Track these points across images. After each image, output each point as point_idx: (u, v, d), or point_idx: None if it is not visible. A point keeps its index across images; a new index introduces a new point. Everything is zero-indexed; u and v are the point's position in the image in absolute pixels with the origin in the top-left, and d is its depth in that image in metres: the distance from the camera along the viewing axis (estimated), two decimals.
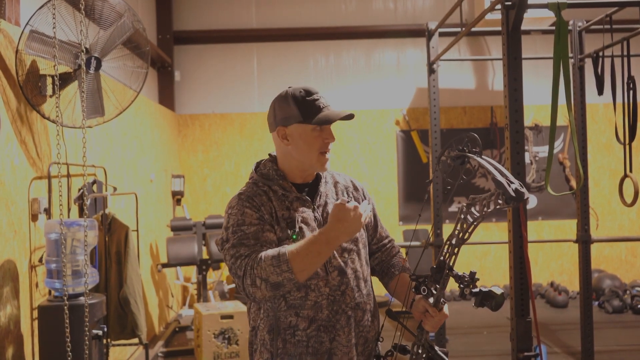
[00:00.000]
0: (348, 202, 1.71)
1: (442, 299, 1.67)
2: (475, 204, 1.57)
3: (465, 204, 1.59)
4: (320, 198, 1.90)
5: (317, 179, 1.94)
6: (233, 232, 1.78)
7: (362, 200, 1.98)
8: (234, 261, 1.74)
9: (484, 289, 1.61)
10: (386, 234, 2.06)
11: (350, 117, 1.84)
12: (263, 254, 1.70)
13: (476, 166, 1.61)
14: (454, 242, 1.61)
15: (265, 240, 1.76)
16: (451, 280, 1.67)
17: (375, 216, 2.03)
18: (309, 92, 1.84)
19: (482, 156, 1.58)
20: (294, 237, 1.69)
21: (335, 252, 1.82)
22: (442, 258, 1.63)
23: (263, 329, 1.84)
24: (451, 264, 1.62)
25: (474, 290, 1.61)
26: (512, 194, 1.44)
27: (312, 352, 1.79)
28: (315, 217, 1.86)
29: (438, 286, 1.64)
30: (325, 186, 1.94)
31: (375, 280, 2.02)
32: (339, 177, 2.01)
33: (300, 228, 1.81)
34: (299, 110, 1.83)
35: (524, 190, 1.45)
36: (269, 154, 1.97)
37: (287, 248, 1.69)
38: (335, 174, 2.01)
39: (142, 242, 5.23)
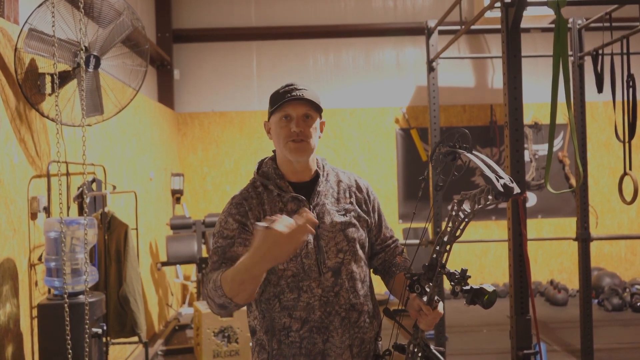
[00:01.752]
0: (267, 226, 1.52)
1: (436, 297, 1.65)
2: (466, 200, 1.57)
3: (456, 200, 1.58)
4: (317, 197, 1.87)
5: (317, 177, 1.92)
6: (214, 242, 1.82)
7: (366, 201, 1.95)
8: (205, 274, 1.79)
9: (475, 287, 1.60)
10: (390, 235, 2.03)
11: (302, 99, 1.79)
12: (215, 275, 1.71)
13: (467, 162, 1.60)
14: (446, 239, 1.60)
15: (230, 257, 1.76)
16: None
17: (380, 216, 2.00)
18: (286, 85, 1.85)
19: (473, 152, 1.57)
20: None
21: (329, 253, 1.81)
22: (434, 256, 1.62)
23: (260, 329, 1.84)
24: (444, 261, 1.61)
25: (465, 288, 1.60)
26: (501, 189, 1.43)
27: (305, 353, 1.78)
28: None
29: (431, 284, 1.63)
30: (325, 184, 1.91)
31: (376, 279, 2.02)
32: (343, 176, 1.98)
33: None
34: (271, 102, 1.86)
35: (513, 185, 1.44)
36: (273, 151, 1.96)
37: (222, 274, 1.67)
38: (340, 172, 1.99)
39: (141, 241, 5.23)
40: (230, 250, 1.77)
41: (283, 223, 1.52)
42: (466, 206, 1.56)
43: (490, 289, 1.58)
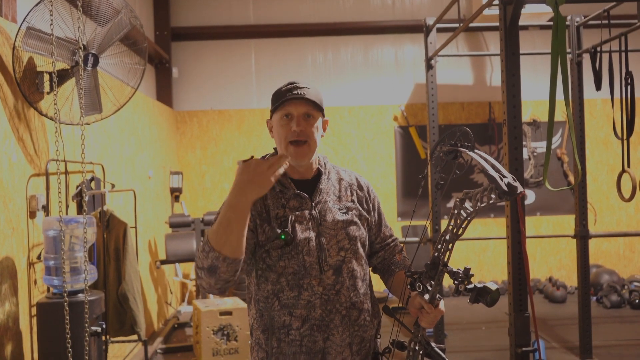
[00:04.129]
0: (246, 159, 1.59)
1: (437, 295, 1.65)
2: (468, 199, 1.56)
3: (458, 199, 1.58)
4: (320, 195, 1.87)
5: (319, 175, 1.92)
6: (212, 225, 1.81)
7: (366, 200, 1.95)
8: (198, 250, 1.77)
9: (478, 285, 1.60)
10: (390, 234, 2.03)
11: (302, 99, 1.79)
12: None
13: (469, 160, 1.59)
14: (448, 237, 1.60)
15: None
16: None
17: (380, 215, 2.00)
18: (289, 83, 1.85)
19: (475, 150, 1.57)
20: (282, 237, 1.67)
21: (331, 251, 1.82)
22: (436, 254, 1.62)
23: (257, 328, 1.84)
24: (446, 259, 1.61)
25: (468, 287, 1.59)
26: (505, 188, 1.43)
27: (305, 351, 1.78)
28: (312, 215, 1.83)
29: (433, 282, 1.63)
30: (327, 182, 1.91)
31: (374, 277, 2.02)
32: (344, 174, 1.98)
33: (294, 227, 1.80)
34: (273, 101, 1.86)
35: (516, 184, 1.44)
36: (274, 148, 1.96)
37: (210, 227, 1.67)
38: (341, 170, 1.99)
39: (140, 239, 5.23)
40: None
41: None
42: (468, 205, 1.55)
43: (493, 287, 1.58)
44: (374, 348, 1.89)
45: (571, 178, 7.31)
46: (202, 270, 1.67)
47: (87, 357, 2.92)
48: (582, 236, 4.68)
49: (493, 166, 1.48)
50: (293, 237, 1.77)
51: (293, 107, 1.81)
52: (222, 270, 1.64)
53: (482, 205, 1.51)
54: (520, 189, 1.44)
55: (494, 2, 3.15)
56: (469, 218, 1.55)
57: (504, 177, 1.44)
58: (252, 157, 1.61)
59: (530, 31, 7.07)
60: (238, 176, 1.58)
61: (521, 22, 3.03)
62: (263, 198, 1.83)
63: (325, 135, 1.93)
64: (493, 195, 1.47)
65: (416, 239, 5.52)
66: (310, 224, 1.82)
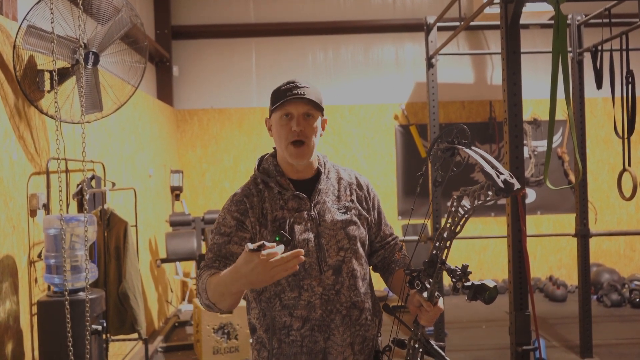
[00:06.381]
0: (254, 249, 1.48)
1: (436, 293, 1.65)
2: (466, 196, 1.56)
3: (455, 197, 1.58)
4: (319, 195, 1.87)
5: (318, 175, 1.92)
6: (211, 238, 1.84)
7: (366, 199, 1.95)
8: (200, 268, 1.80)
9: (476, 283, 1.60)
10: (390, 232, 2.03)
11: (302, 98, 1.78)
12: (204, 275, 1.72)
13: (466, 158, 1.59)
14: (445, 235, 1.60)
15: (224, 254, 1.77)
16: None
17: (380, 214, 2.00)
18: (288, 82, 1.84)
19: (472, 147, 1.56)
20: (277, 238, 1.67)
21: (330, 251, 1.81)
22: (434, 252, 1.61)
23: (260, 328, 1.84)
24: (444, 257, 1.60)
25: (466, 284, 1.59)
26: (501, 185, 1.43)
27: (306, 351, 1.78)
28: (311, 215, 1.83)
29: (431, 280, 1.63)
30: (326, 182, 1.91)
31: (374, 276, 2.01)
32: (344, 173, 1.97)
33: (292, 228, 1.80)
34: (272, 100, 1.86)
35: (513, 181, 1.43)
36: (274, 148, 1.96)
37: (208, 279, 1.68)
38: (340, 169, 1.98)
39: (141, 238, 5.23)
40: (226, 247, 1.78)
41: (271, 252, 1.47)
42: (466, 202, 1.55)
43: (491, 284, 1.58)
44: (375, 347, 1.89)
45: (572, 177, 7.30)
46: (201, 299, 1.73)
47: (87, 356, 2.93)
48: (583, 235, 4.68)
49: (490, 163, 1.48)
50: (290, 238, 1.77)
51: (293, 106, 1.81)
52: (217, 311, 1.73)
53: (480, 202, 1.50)
54: (517, 185, 1.43)
55: (495, 1, 3.15)
56: (466, 215, 1.54)
57: (501, 173, 1.44)
58: (263, 245, 1.48)
59: (531, 30, 7.06)
60: (240, 264, 1.52)
61: (522, 21, 3.03)
62: (262, 201, 1.83)
63: (324, 134, 1.93)
64: (490, 192, 1.47)
65: (416, 238, 5.51)
66: (309, 224, 1.82)
